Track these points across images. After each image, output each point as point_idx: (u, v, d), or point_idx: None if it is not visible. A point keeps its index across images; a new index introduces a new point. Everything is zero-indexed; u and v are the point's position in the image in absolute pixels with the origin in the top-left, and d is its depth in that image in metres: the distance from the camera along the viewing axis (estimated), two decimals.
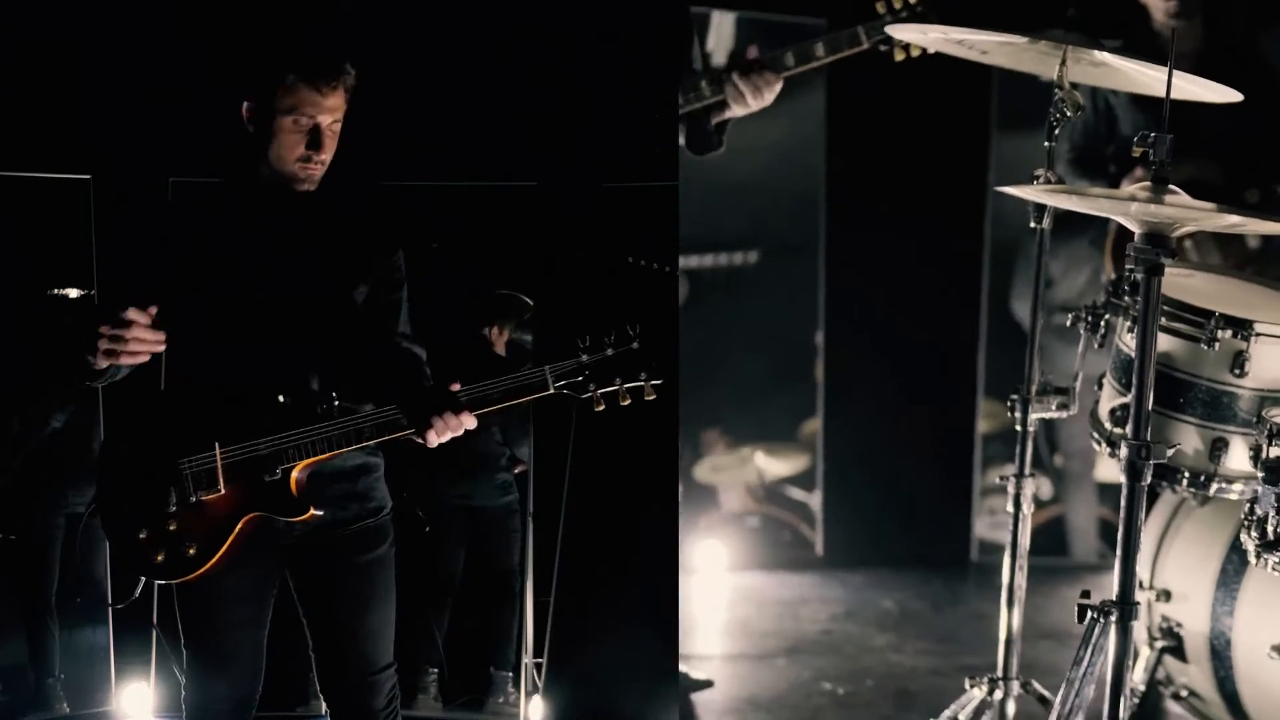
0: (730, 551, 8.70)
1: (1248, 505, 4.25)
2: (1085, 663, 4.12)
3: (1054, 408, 4.90)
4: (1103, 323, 4.56)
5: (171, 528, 3.95)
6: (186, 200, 4.33)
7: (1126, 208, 3.95)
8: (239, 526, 3.94)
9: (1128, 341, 4.42)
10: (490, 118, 5.56)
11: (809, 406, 9.33)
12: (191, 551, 3.95)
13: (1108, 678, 4.03)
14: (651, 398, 3.95)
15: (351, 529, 4.09)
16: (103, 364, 3.87)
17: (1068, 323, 4.69)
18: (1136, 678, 5.63)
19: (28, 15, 5.49)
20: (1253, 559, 4.24)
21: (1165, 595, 5.55)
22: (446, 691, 6.45)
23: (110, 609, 5.74)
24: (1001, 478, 4.93)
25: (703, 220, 9.17)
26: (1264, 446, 4.13)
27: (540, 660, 5.71)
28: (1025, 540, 4.91)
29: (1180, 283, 4.56)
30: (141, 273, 4.12)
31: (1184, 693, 5.69)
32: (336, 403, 3.96)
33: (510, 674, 6.21)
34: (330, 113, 4.00)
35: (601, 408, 3.95)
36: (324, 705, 4.21)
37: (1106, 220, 7.32)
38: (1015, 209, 7.78)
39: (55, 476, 5.90)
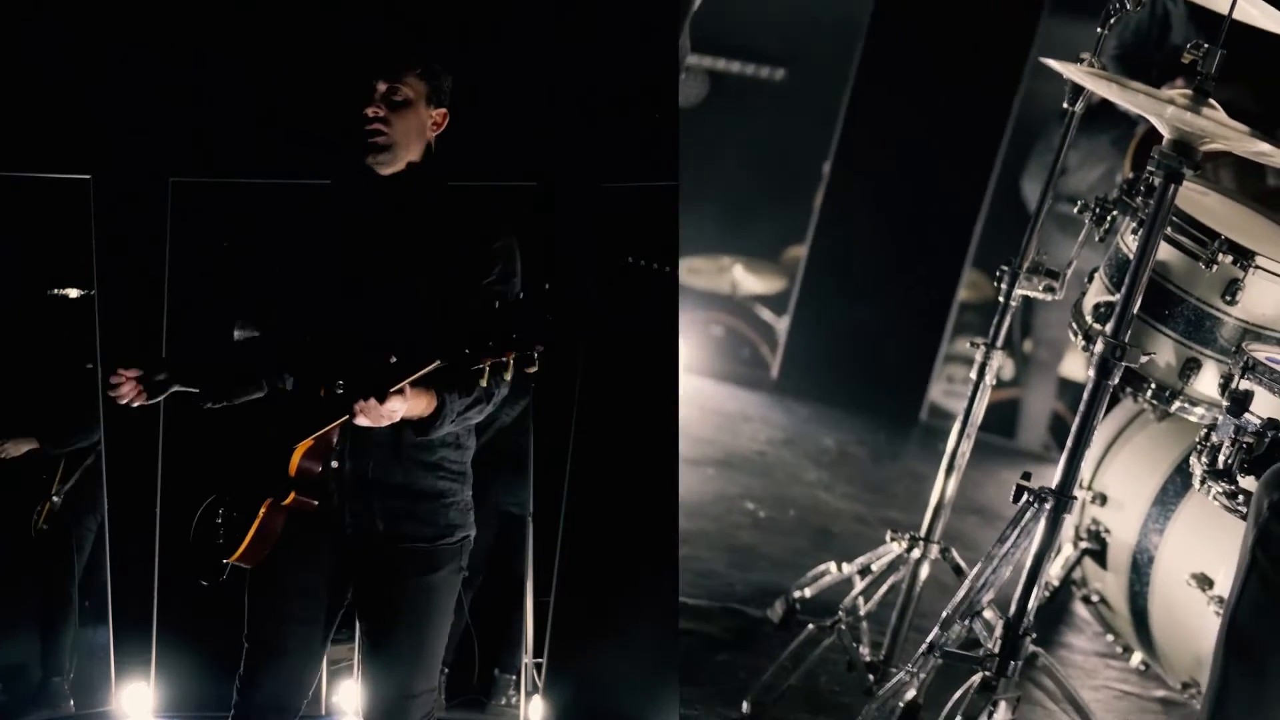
0: (687, 352, 8.66)
1: (1204, 431, 4.25)
2: (1009, 543, 4.14)
3: (1040, 288, 4.87)
4: (1109, 218, 4.52)
5: (225, 510, 3.99)
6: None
7: (1163, 110, 3.91)
8: (262, 511, 3.90)
9: (1129, 242, 4.39)
10: (490, 118, 5.50)
11: (798, 233, 9.34)
12: (220, 540, 3.96)
13: (1026, 564, 4.07)
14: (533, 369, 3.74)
15: (403, 547, 3.98)
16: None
17: (1075, 211, 4.66)
18: (1052, 572, 5.69)
19: (28, 15, 5.38)
20: (1197, 483, 4.25)
21: (1101, 499, 5.59)
22: (446, 691, 6.50)
23: (110, 608, 5.69)
24: (973, 343, 4.90)
25: (738, 26, 9.14)
26: (1235, 377, 4.12)
27: (540, 660, 5.73)
28: (980, 412, 4.92)
29: (1194, 198, 4.52)
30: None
31: (1095, 598, 5.75)
32: (340, 388, 3.89)
33: (514, 677, 6.23)
34: (383, 81, 3.98)
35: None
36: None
37: (1133, 124, 7.31)
38: (1048, 91, 7.81)
39: (95, 480, 5.87)
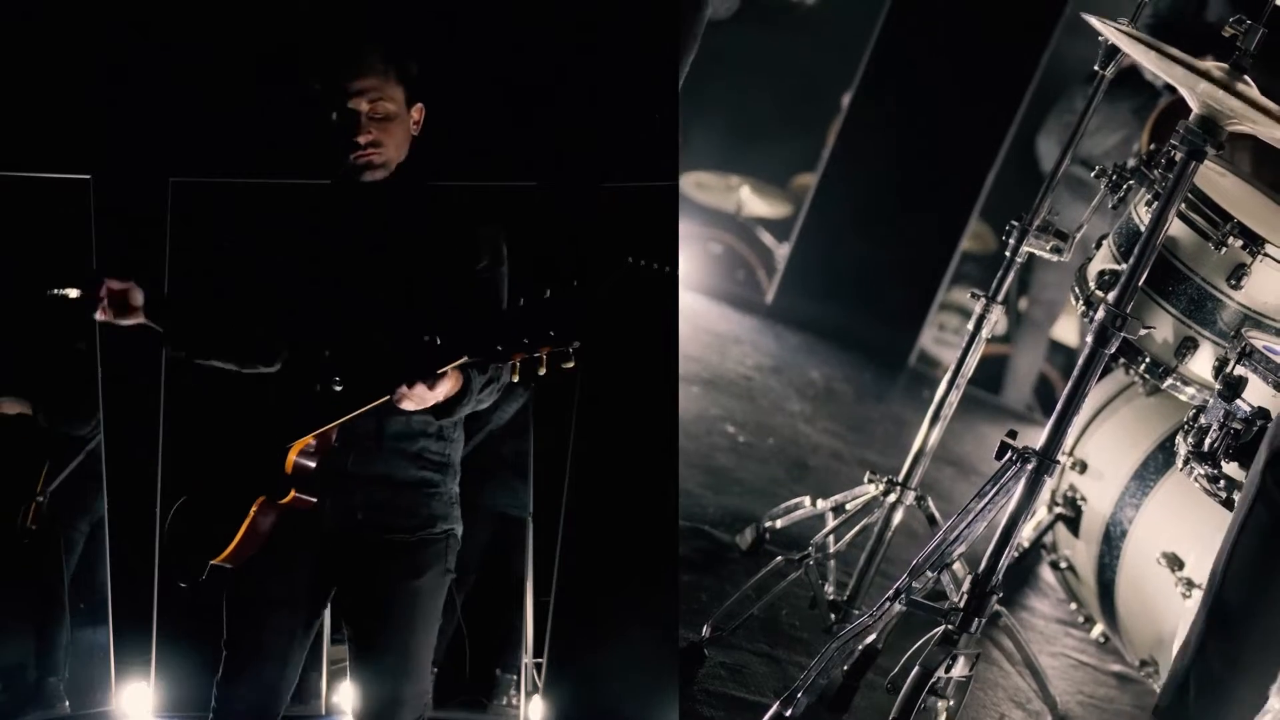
0: (685, 266, 8.65)
1: (1193, 411, 4.25)
2: (986, 499, 4.13)
3: (1048, 248, 4.84)
4: (1125, 187, 4.49)
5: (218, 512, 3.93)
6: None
7: (1195, 83, 3.88)
8: (252, 510, 3.86)
9: (1141, 213, 4.38)
10: (490, 118, 5.46)
11: (808, 161, 9.30)
12: (211, 540, 3.90)
13: (1001, 523, 4.07)
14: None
15: (386, 539, 3.95)
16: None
17: (1091, 175, 4.63)
18: (1024, 534, 5.68)
19: (28, 15, 5.33)
20: (1180, 463, 4.25)
21: (1081, 466, 5.59)
22: (445, 691, 6.49)
23: (110, 608, 5.68)
24: (973, 294, 4.87)
25: None
26: (1231, 362, 4.11)
27: (540, 660, 5.72)
28: (972, 364, 4.90)
29: (1212, 178, 4.50)
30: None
31: (1063, 564, 5.76)
32: (338, 385, 3.81)
33: (515, 677, 6.22)
34: (362, 99, 3.92)
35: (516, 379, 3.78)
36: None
37: (1155, 96, 7.29)
38: (1076, 53, 7.77)
39: (87, 482, 5.83)
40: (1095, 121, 7.46)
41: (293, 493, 3.82)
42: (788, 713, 4.10)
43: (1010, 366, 9.10)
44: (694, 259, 9.02)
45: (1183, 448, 4.24)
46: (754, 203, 9.90)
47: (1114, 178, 4.48)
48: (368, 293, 3.90)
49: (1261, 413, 4.00)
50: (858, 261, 8.63)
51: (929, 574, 4.20)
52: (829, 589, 4.91)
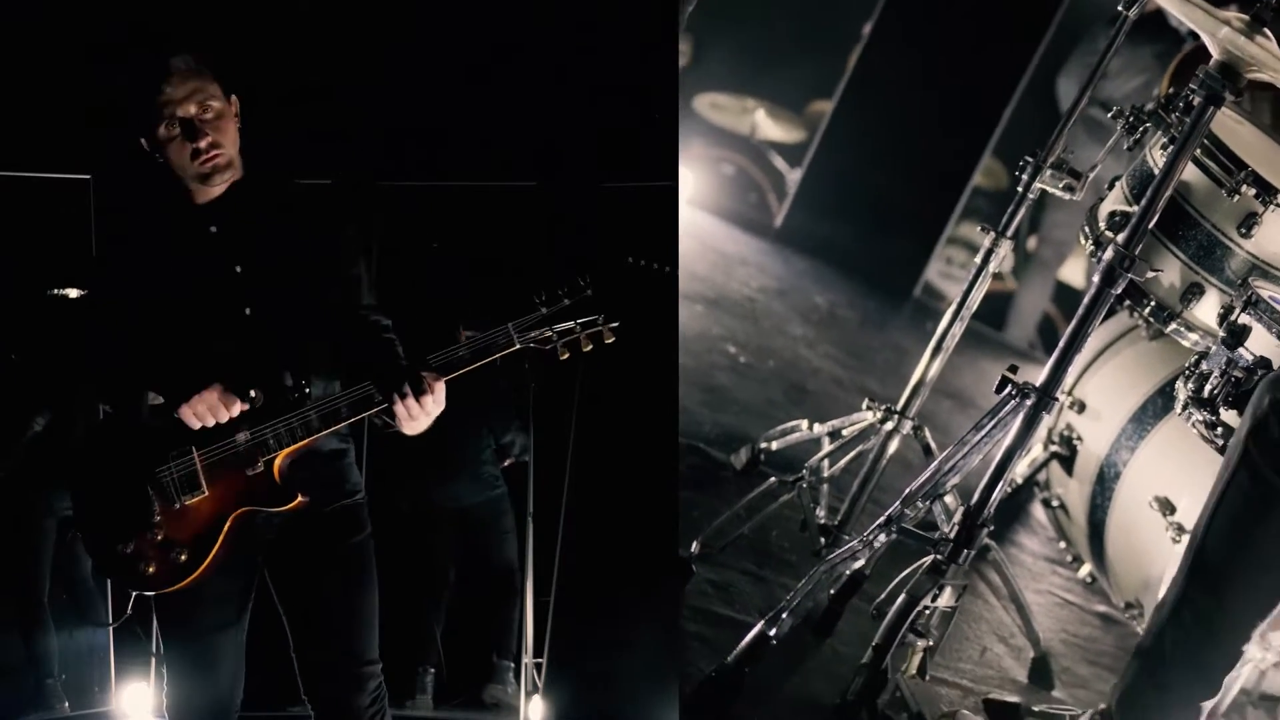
0: (694, 183, 8.63)
1: (1195, 357, 4.24)
2: (984, 432, 4.14)
3: (1060, 186, 4.82)
4: (1141, 129, 4.47)
5: (159, 537, 3.87)
6: (133, 208, 4.15)
7: (1217, 28, 3.88)
8: (228, 525, 3.88)
9: (1156, 157, 4.36)
10: (490, 118, 5.45)
11: (825, 88, 9.24)
12: (184, 558, 3.87)
13: (996, 457, 4.08)
14: (611, 340, 3.96)
15: (327, 511, 4.00)
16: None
17: (1108, 116, 4.61)
18: (1018, 470, 5.67)
19: (28, 15, 5.32)
20: (1178, 407, 4.25)
21: (1080, 406, 5.58)
22: (443, 691, 6.50)
23: (110, 614, 5.78)
24: (983, 228, 4.86)
25: None
26: (1236, 310, 4.10)
27: (540, 660, 5.71)
28: (977, 298, 4.89)
29: (1229, 126, 4.48)
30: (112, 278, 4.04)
31: (1055, 502, 5.77)
32: (308, 389, 3.89)
33: (512, 663, 6.23)
34: (189, 103, 3.88)
35: (566, 356, 3.95)
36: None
37: (1179, 42, 7.26)
38: None
39: (43, 479, 5.83)
40: (1117, 64, 7.46)
41: (299, 498, 3.90)
42: (772, 632, 4.12)
43: (1015, 303, 9.10)
44: (705, 179, 8.98)
45: (1182, 393, 4.23)
46: (768, 126, 9.87)
47: (1131, 119, 4.46)
48: (244, 303, 3.95)
49: (1263, 362, 3.99)
50: (868, 190, 8.61)
51: (921, 503, 4.22)
52: (820, 513, 4.92)
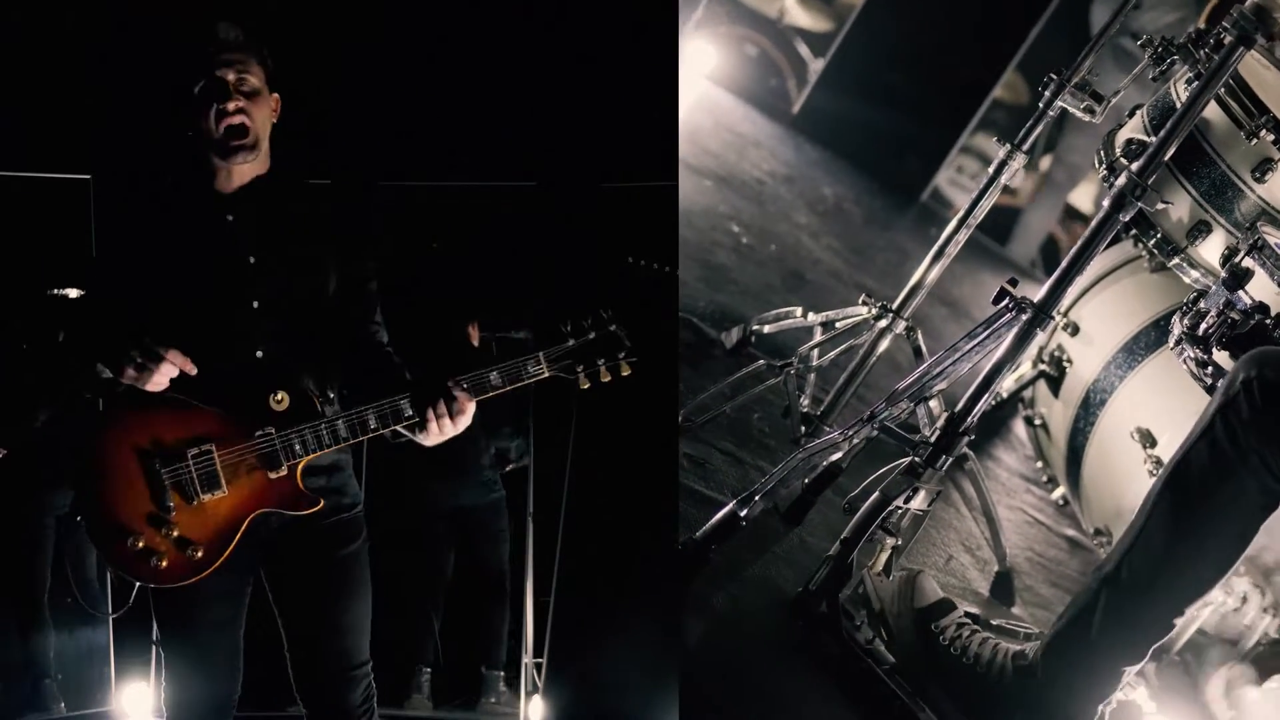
0: (717, 60, 8.60)
1: (1194, 294, 4.25)
2: (976, 341, 4.15)
3: (1081, 107, 4.82)
4: (1169, 61, 4.46)
5: (174, 533, 3.85)
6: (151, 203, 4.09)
7: None
8: (245, 525, 3.88)
9: (1180, 90, 4.35)
10: (490, 118, 5.40)
11: None
12: (199, 555, 3.86)
13: (986, 367, 4.10)
14: (627, 373, 4.06)
15: (327, 522, 4.01)
16: (126, 383, 3.83)
17: (1137, 44, 4.60)
18: (1005, 384, 5.70)
19: (28, 15, 5.28)
20: (1171, 342, 4.25)
21: (1074, 329, 5.57)
22: (441, 691, 6.48)
23: (110, 614, 5.74)
24: (998, 139, 4.86)
25: None
26: (1241, 253, 4.11)
27: (540, 660, 5.69)
28: (985, 208, 4.89)
29: (1256, 69, 4.46)
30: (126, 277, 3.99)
31: (1038, 421, 5.78)
32: (333, 397, 3.96)
33: (501, 673, 6.22)
34: (228, 70, 3.92)
35: (586, 386, 4.05)
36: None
37: None
38: None
39: (44, 478, 5.80)
40: None
41: (321, 502, 3.95)
42: (743, 513, 4.15)
43: (1021, 220, 9.10)
44: (728, 57, 8.92)
45: (1177, 328, 4.23)
46: (797, 12, 9.78)
47: (1159, 49, 4.45)
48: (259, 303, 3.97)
49: (1261, 307, 4.00)
50: (888, 89, 8.60)
51: (906, 403, 4.24)
52: (804, 401, 4.95)
